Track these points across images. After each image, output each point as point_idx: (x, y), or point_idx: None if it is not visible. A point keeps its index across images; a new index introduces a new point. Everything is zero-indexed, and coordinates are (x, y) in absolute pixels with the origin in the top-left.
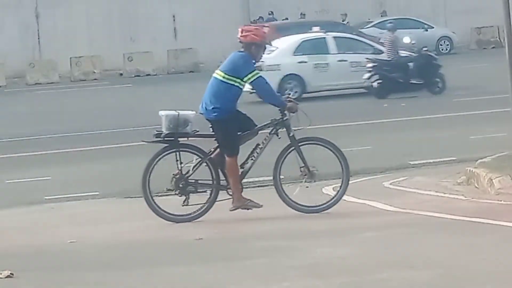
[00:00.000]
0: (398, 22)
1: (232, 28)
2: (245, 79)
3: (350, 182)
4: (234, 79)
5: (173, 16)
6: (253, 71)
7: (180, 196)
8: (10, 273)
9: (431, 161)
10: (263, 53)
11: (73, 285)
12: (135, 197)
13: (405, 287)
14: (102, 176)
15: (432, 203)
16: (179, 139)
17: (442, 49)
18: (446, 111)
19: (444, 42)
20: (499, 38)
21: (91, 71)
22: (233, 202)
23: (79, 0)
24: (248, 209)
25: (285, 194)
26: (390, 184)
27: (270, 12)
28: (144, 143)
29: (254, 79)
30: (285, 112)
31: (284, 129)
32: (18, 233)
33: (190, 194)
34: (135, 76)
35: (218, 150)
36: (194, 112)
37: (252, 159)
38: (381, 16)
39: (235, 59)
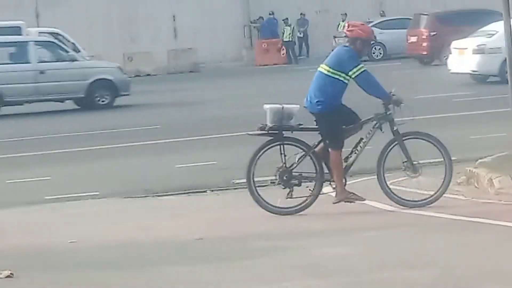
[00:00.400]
0: (398, 22)
1: (232, 28)
2: (350, 73)
3: (350, 182)
4: (339, 73)
5: (173, 16)
6: (358, 65)
7: (284, 188)
8: (10, 273)
9: (431, 161)
10: (368, 49)
11: (73, 285)
12: (135, 197)
13: (405, 287)
14: (102, 176)
15: (432, 203)
16: (283, 132)
17: None
18: (446, 111)
19: None
20: None
21: None
22: (336, 195)
23: (79, 0)
24: (351, 202)
25: (389, 188)
26: (390, 184)
27: (270, 12)
28: (249, 135)
29: (360, 73)
30: (389, 106)
31: (388, 123)
32: (18, 233)
33: (294, 187)
34: (135, 76)
35: (322, 143)
36: (298, 106)
37: (355, 153)
38: (380, 16)
39: (340, 54)
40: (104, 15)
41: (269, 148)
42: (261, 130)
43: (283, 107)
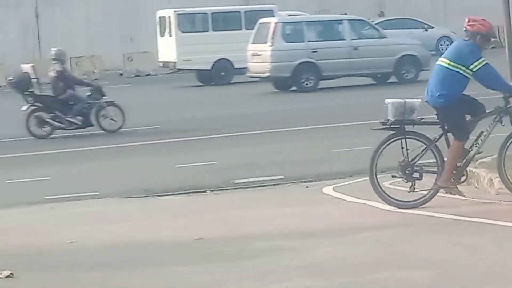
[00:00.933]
0: (398, 22)
1: None
2: (471, 66)
3: (349, 182)
4: (460, 66)
5: None
6: (479, 59)
7: (406, 182)
8: (10, 273)
9: (431, 161)
10: (487, 44)
11: (73, 285)
12: (135, 197)
13: (405, 287)
14: (102, 176)
15: (432, 203)
16: (405, 126)
17: (442, 49)
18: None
19: (444, 42)
20: (499, 38)
21: (91, 71)
22: (440, 180)
23: (79, 0)
24: (450, 193)
25: (509, 180)
26: (390, 184)
27: None
28: (373, 130)
29: (481, 67)
30: (510, 99)
31: (508, 117)
32: (18, 233)
33: (416, 180)
34: (135, 76)
35: (443, 136)
36: (420, 100)
37: (476, 146)
38: (379, 16)
39: (461, 47)
40: (104, 15)
41: (391, 143)
42: (383, 124)
43: (405, 101)
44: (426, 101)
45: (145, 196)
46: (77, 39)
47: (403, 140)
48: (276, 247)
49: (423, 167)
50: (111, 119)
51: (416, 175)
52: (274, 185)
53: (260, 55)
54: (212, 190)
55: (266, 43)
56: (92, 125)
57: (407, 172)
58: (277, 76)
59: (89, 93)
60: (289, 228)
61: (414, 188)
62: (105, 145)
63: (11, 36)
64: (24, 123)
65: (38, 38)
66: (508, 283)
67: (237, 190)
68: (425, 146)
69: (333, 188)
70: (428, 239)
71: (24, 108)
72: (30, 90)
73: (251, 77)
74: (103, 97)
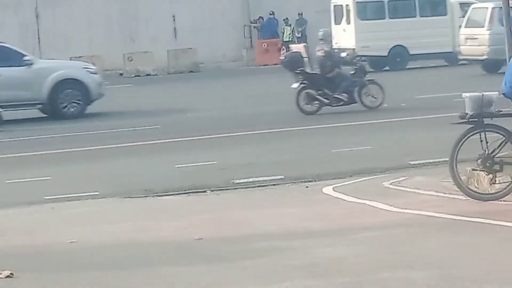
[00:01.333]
0: None
1: (232, 28)
2: None
3: (349, 182)
4: None
5: (173, 16)
6: None
7: (487, 175)
8: (10, 273)
9: (431, 161)
10: None
11: (73, 285)
12: (135, 197)
13: (405, 287)
14: (102, 176)
15: (432, 203)
16: (484, 119)
17: None
18: (446, 111)
19: None
20: None
21: None
22: None
23: (79, 0)
24: None
25: None
26: (390, 184)
27: (271, 12)
28: (452, 124)
29: None
30: None
31: None
32: (18, 233)
33: (497, 173)
34: (135, 76)
35: None
36: (497, 92)
37: None
38: None
39: None
40: (104, 15)
41: (470, 136)
42: (461, 118)
43: (482, 95)
44: (503, 94)
45: (145, 196)
46: (77, 39)
47: (482, 133)
48: (276, 247)
49: (503, 159)
50: (372, 96)
51: (496, 167)
52: (274, 185)
53: (476, 38)
54: (212, 190)
55: (482, 27)
56: (355, 102)
57: (487, 164)
58: (492, 59)
59: (353, 72)
60: (289, 228)
61: (495, 181)
62: (105, 145)
63: (11, 36)
64: (295, 99)
65: (38, 38)
66: (508, 283)
67: (237, 190)
68: (504, 138)
69: (333, 188)
70: (428, 239)
71: (295, 86)
72: (301, 68)
73: (463, 59)
74: (366, 76)
